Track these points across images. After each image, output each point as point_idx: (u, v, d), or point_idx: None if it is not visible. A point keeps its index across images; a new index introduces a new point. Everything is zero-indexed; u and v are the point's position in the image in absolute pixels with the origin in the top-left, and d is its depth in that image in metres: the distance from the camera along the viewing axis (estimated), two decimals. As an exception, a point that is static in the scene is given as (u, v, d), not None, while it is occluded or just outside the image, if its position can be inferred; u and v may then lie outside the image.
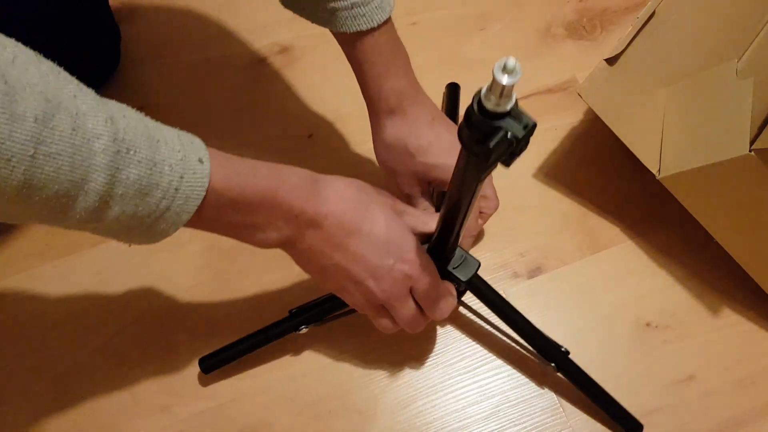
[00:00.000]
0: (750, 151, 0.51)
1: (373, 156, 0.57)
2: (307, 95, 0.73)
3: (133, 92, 0.73)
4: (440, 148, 0.54)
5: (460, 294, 0.58)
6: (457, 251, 0.51)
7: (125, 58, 0.74)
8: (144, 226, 0.37)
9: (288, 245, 0.45)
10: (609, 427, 0.58)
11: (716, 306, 0.62)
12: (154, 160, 0.35)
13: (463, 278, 0.51)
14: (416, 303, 0.49)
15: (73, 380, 0.60)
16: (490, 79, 0.31)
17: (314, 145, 0.70)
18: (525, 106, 0.70)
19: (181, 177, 0.36)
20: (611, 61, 0.58)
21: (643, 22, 0.59)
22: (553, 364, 0.56)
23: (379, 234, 0.46)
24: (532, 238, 0.65)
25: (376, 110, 0.55)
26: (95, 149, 0.32)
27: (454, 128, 0.56)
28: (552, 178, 0.68)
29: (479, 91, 0.32)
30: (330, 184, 0.45)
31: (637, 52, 0.59)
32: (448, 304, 0.50)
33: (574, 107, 0.71)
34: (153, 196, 0.35)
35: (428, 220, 0.51)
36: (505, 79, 0.31)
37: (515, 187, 0.67)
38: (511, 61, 0.30)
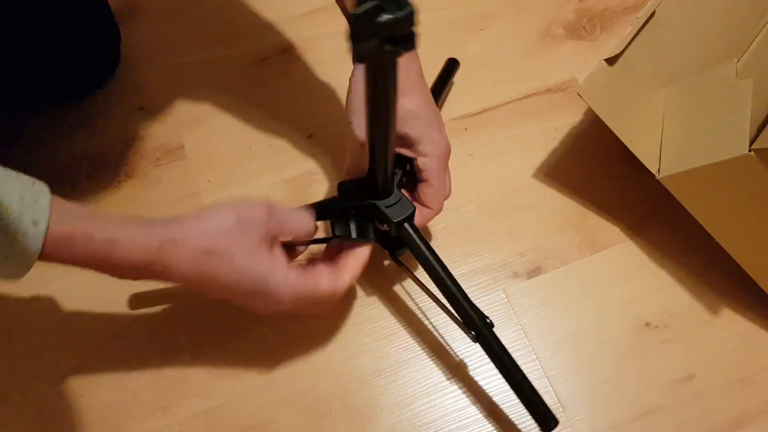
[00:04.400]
0: (749, 151, 0.51)
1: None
2: (307, 95, 0.73)
3: (133, 92, 0.73)
4: (422, 99, 0.52)
5: (393, 245, 0.55)
6: (395, 192, 0.50)
7: (125, 58, 0.74)
8: None
9: None
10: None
11: (716, 306, 0.62)
12: None
13: (393, 218, 0.49)
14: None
15: (73, 380, 0.60)
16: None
17: (314, 145, 0.70)
18: (525, 106, 0.71)
19: (14, 236, 0.39)
20: (611, 61, 0.58)
21: (643, 22, 0.59)
22: (473, 332, 0.52)
23: (233, 282, 0.46)
24: (532, 238, 0.65)
25: None
26: None
27: (431, 99, 0.54)
28: (552, 178, 0.68)
29: None
30: (174, 246, 0.44)
31: (637, 52, 0.59)
32: (341, 288, 0.51)
33: (573, 107, 0.71)
34: None
35: (306, 218, 0.51)
36: None
37: (515, 187, 0.68)
38: None
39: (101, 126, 0.71)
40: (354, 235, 0.51)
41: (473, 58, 0.75)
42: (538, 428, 0.53)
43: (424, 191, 0.54)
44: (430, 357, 0.60)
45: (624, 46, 0.58)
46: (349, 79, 0.53)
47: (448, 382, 0.59)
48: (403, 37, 0.34)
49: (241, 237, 0.46)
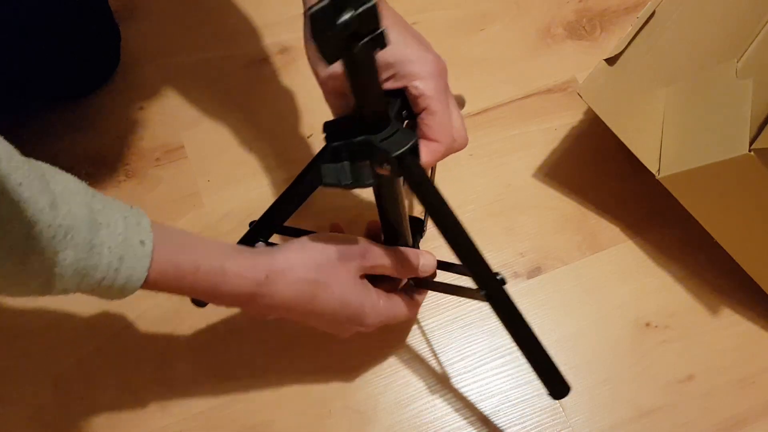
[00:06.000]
0: (749, 151, 0.51)
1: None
2: (307, 95, 0.73)
3: (133, 92, 0.73)
4: (401, 41, 0.43)
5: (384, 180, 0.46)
6: (393, 123, 0.41)
7: (125, 58, 0.74)
8: (94, 295, 0.40)
9: None
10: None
11: (716, 306, 0.62)
12: (92, 243, 0.37)
13: (392, 152, 0.40)
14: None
15: (73, 380, 0.60)
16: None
17: (314, 145, 0.70)
18: (525, 106, 0.72)
19: (121, 258, 0.38)
20: (611, 61, 0.58)
21: (643, 22, 0.59)
22: (483, 291, 0.45)
23: (330, 313, 0.48)
24: (532, 238, 0.65)
25: None
26: (32, 234, 0.34)
27: (401, 18, 0.46)
28: (552, 178, 0.68)
29: None
30: (281, 277, 0.45)
31: (637, 52, 0.59)
32: (403, 313, 0.53)
33: (574, 107, 0.71)
34: (92, 276, 0.38)
35: (402, 265, 0.50)
36: None
37: (515, 187, 0.68)
38: None
39: (101, 126, 0.71)
40: (348, 180, 0.43)
41: (473, 58, 0.75)
42: (549, 393, 0.47)
43: (427, 122, 0.44)
44: (430, 357, 0.60)
45: (624, 46, 0.58)
46: (304, 14, 0.44)
47: (448, 382, 0.59)
48: (372, 34, 0.31)
49: (341, 268, 0.48)
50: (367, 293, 0.50)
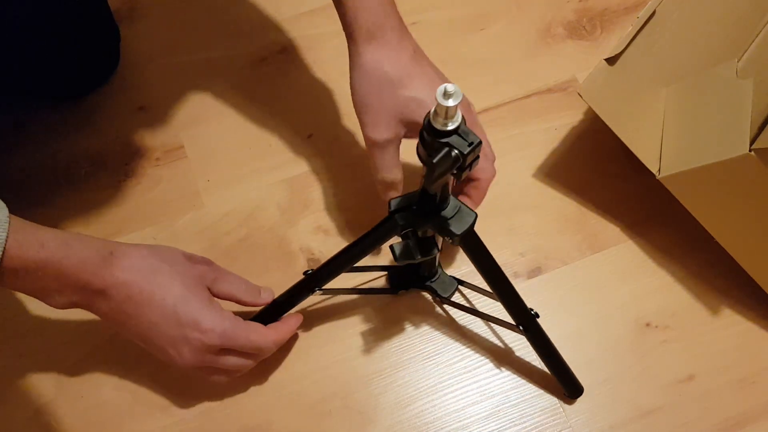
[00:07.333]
0: (750, 150, 0.51)
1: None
2: (307, 95, 0.73)
3: (133, 92, 0.73)
4: (423, 83, 0.51)
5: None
6: (452, 201, 0.46)
7: (125, 58, 0.74)
8: None
9: (85, 308, 0.49)
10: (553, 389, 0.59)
11: (716, 306, 0.62)
12: None
13: (458, 232, 0.46)
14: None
15: (73, 380, 0.60)
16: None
17: (314, 145, 0.70)
18: (525, 106, 0.71)
19: None
20: (611, 61, 0.58)
21: (643, 22, 0.59)
22: (521, 327, 0.54)
23: (171, 305, 0.48)
24: (532, 238, 0.65)
25: (355, 35, 0.51)
26: None
27: (435, 66, 0.54)
28: (552, 178, 0.68)
29: (429, 113, 0.37)
30: (126, 255, 0.48)
31: (637, 52, 0.59)
32: (267, 345, 0.53)
33: (574, 107, 0.71)
34: None
35: (247, 287, 0.55)
36: (448, 102, 0.35)
37: (515, 187, 0.67)
38: (451, 87, 0.34)
39: (101, 126, 0.71)
40: (419, 256, 0.49)
41: (473, 58, 0.75)
42: (567, 395, 0.59)
43: (475, 184, 0.54)
44: (429, 358, 0.60)
45: (624, 46, 0.58)
46: (350, 81, 0.53)
47: (447, 382, 0.59)
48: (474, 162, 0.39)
49: (187, 268, 0.51)
50: (209, 300, 0.51)
